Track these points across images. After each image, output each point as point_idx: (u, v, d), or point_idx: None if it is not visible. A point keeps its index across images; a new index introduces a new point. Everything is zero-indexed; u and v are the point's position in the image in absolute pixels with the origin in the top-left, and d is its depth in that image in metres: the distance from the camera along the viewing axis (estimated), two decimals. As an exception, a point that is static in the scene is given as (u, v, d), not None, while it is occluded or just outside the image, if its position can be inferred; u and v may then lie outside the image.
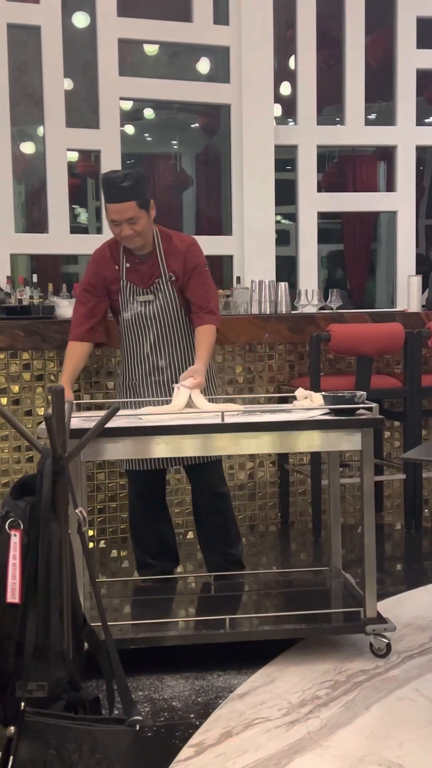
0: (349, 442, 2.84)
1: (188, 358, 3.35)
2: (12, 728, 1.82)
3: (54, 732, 1.80)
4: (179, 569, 3.69)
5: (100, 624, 2.06)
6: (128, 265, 3.33)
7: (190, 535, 4.29)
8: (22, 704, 1.85)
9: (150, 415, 2.89)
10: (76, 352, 3.40)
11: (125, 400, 3.33)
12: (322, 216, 5.90)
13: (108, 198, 3.20)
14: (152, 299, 3.31)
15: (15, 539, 1.85)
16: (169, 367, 3.34)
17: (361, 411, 2.84)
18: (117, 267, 3.34)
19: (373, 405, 2.83)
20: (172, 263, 3.31)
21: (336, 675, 2.73)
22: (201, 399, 2.99)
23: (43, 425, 2.36)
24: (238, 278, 5.28)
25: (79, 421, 2.74)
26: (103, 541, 4.22)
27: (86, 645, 2.06)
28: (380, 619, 2.85)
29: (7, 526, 1.87)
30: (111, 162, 5.33)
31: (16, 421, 1.97)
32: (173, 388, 3.05)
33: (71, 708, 1.92)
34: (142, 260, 3.31)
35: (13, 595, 1.84)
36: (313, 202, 5.75)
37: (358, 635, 2.92)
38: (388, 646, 2.84)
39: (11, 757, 1.81)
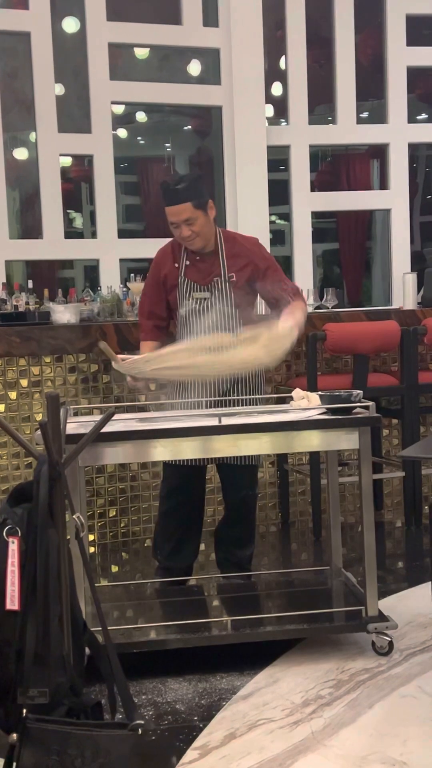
0: (347, 441, 2.84)
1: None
2: (14, 735, 1.82)
3: (56, 738, 1.80)
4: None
5: (101, 628, 2.06)
6: (188, 262, 3.34)
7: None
8: (24, 711, 1.85)
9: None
10: (151, 348, 3.40)
11: (131, 404, 3.33)
12: (317, 215, 5.91)
13: (165, 201, 3.23)
14: (208, 296, 3.31)
15: (13, 546, 1.85)
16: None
17: (358, 410, 2.84)
18: (177, 265, 3.35)
19: (370, 403, 2.83)
20: (235, 264, 3.31)
21: (339, 674, 2.73)
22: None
23: (39, 431, 2.37)
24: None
25: (76, 426, 2.74)
26: (103, 546, 4.22)
27: (87, 650, 2.07)
28: (382, 617, 2.86)
29: (4, 534, 1.87)
30: (104, 166, 5.33)
31: (11, 428, 1.97)
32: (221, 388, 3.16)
33: (73, 714, 1.92)
34: (203, 258, 3.33)
35: (12, 602, 1.84)
36: (307, 201, 5.76)
37: (360, 634, 2.92)
38: (390, 644, 2.84)
39: (14, 764, 1.81)
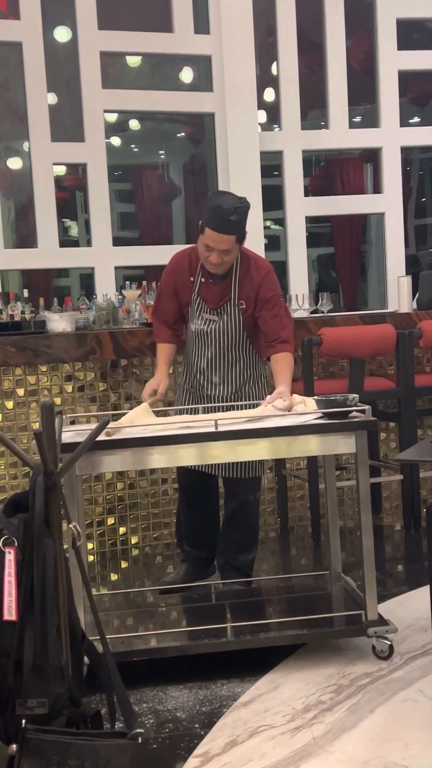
0: (345, 445, 2.84)
1: (242, 379, 3.41)
2: (14, 746, 1.82)
3: (56, 748, 1.80)
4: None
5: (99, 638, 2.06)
6: (203, 280, 3.35)
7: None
8: (23, 722, 1.85)
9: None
10: (165, 350, 3.50)
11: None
12: (312, 220, 5.92)
13: (211, 225, 3.16)
14: (216, 320, 3.35)
15: (10, 556, 1.85)
16: (222, 384, 3.40)
17: (354, 414, 2.84)
18: (192, 279, 3.37)
19: (366, 407, 2.83)
20: (245, 290, 3.33)
21: (339, 679, 2.73)
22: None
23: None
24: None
25: (72, 435, 2.74)
26: (102, 554, 4.21)
27: (86, 659, 2.06)
28: (382, 621, 2.85)
29: (1, 544, 1.87)
30: (98, 175, 5.34)
31: (6, 438, 1.97)
32: (223, 405, 3.27)
33: (72, 723, 1.92)
34: (216, 281, 3.34)
35: (9, 612, 1.84)
36: (301, 206, 5.77)
37: (360, 638, 2.91)
38: (391, 648, 2.83)
39: (14, 775, 1.81)
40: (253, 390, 3.46)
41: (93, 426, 2.99)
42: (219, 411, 3.27)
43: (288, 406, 3.01)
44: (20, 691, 1.87)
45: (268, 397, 3.11)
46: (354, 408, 2.84)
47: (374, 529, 2.91)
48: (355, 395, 2.88)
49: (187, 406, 3.39)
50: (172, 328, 3.51)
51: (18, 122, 5.57)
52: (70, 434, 2.73)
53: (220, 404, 3.34)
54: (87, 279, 7.02)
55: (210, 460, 3.05)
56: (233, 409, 3.28)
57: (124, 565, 4.14)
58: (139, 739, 1.86)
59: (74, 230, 8.61)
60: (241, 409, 3.27)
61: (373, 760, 2.24)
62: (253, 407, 3.25)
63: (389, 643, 2.83)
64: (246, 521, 3.49)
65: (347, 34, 5.80)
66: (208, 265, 3.27)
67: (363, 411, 2.83)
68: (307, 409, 2.97)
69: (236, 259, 3.32)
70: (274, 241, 7.30)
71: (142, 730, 1.86)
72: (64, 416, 2.83)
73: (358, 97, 6.16)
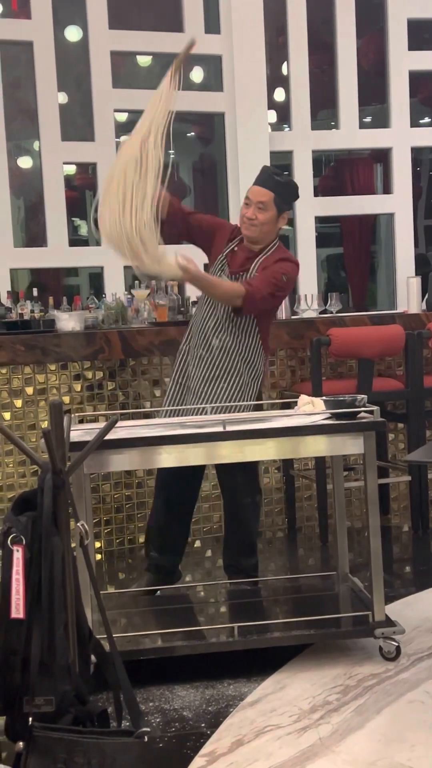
0: (353, 445, 2.83)
1: (240, 350, 3.37)
2: (21, 743, 1.82)
3: (62, 746, 1.80)
4: (187, 578, 3.69)
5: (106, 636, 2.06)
6: (236, 248, 3.43)
7: (198, 543, 4.29)
8: (30, 719, 1.85)
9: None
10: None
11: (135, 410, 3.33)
12: (321, 220, 5.92)
13: (256, 181, 3.37)
14: None
15: (18, 555, 1.85)
16: (218, 350, 3.37)
17: (362, 414, 2.84)
18: (229, 243, 3.45)
19: (375, 408, 2.83)
20: (262, 266, 3.38)
21: (346, 680, 2.72)
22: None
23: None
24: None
25: (81, 433, 2.74)
26: (110, 553, 4.22)
27: (93, 658, 2.07)
28: (389, 622, 2.85)
29: (9, 542, 1.87)
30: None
31: (15, 436, 1.98)
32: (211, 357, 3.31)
33: (79, 721, 1.92)
34: (246, 252, 3.41)
35: (17, 610, 1.84)
36: (311, 206, 5.76)
37: (367, 639, 2.91)
38: (398, 649, 2.83)
39: (21, 773, 1.81)
40: (243, 372, 3.37)
41: (101, 425, 3.00)
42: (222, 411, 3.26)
43: (189, 268, 3.07)
44: (27, 688, 1.88)
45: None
46: (363, 409, 2.84)
47: (382, 530, 2.90)
48: (363, 396, 2.88)
49: (193, 406, 3.34)
50: (183, 211, 3.46)
51: (28, 121, 5.59)
52: (78, 433, 2.73)
53: (222, 404, 3.31)
54: (96, 278, 7.03)
55: (218, 459, 3.04)
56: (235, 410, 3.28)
57: (131, 563, 4.15)
58: (146, 738, 1.86)
59: (83, 229, 8.63)
60: (240, 410, 3.27)
61: (379, 761, 2.24)
62: (255, 409, 3.26)
63: (396, 644, 2.83)
64: (245, 526, 3.46)
65: (358, 33, 5.80)
66: (244, 225, 3.36)
67: (371, 412, 2.83)
68: (315, 410, 2.97)
69: (273, 247, 3.40)
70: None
71: (148, 729, 1.87)
72: (72, 415, 2.84)
73: (368, 97, 6.16)
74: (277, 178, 3.36)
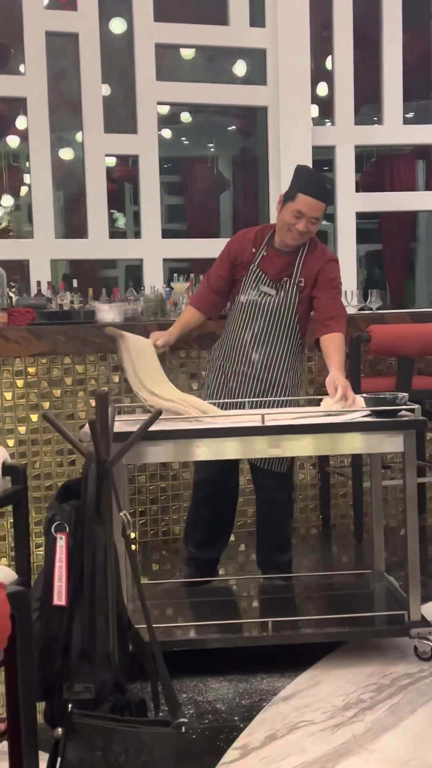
0: (391, 444, 2.82)
1: (282, 360, 3.34)
2: (59, 729, 1.84)
3: (100, 734, 1.82)
4: (221, 571, 3.70)
5: (143, 626, 2.07)
6: (266, 253, 3.33)
7: (231, 537, 4.29)
8: (69, 706, 1.87)
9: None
10: (190, 315, 3.47)
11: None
12: (360, 216, 5.87)
13: (308, 190, 3.19)
14: (273, 294, 3.31)
15: (61, 542, 1.87)
16: (260, 363, 3.33)
17: (403, 412, 2.82)
18: (254, 251, 3.35)
19: (416, 406, 2.80)
20: (308, 268, 3.31)
21: (380, 678, 2.72)
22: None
23: (85, 429, 2.39)
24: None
25: (121, 424, 2.76)
26: (144, 544, 4.24)
27: (131, 647, 2.08)
28: (425, 622, 2.83)
29: (53, 530, 1.89)
30: (149, 167, 5.36)
31: (62, 427, 2.00)
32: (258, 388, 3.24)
33: (117, 710, 1.94)
34: (280, 254, 3.32)
35: (59, 597, 1.86)
36: (352, 202, 5.72)
37: (402, 638, 2.89)
38: (433, 649, 2.82)
39: (59, 759, 1.83)
40: (287, 385, 3.37)
41: (138, 417, 3.01)
42: (266, 406, 3.26)
43: (344, 393, 2.95)
44: (67, 675, 1.90)
45: (328, 383, 3.04)
46: (404, 407, 2.82)
47: (419, 530, 2.88)
48: (404, 394, 2.86)
49: (221, 400, 3.34)
50: (216, 294, 3.45)
51: (72, 113, 5.62)
52: (118, 424, 2.74)
53: (271, 398, 3.31)
54: (133, 270, 7.06)
55: (255, 454, 3.04)
56: (280, 405, 3.28)
57: (165, 555, 4.17)
58: (183, 729, 1.87)
59: (120, 222, 8.66)
60: (281, 405, 3.26)
61: (413, 761, 2.23)
62: (292, 404, 3.26)
63: (431, 644, 2.81)
64: (278, 523, 3.46)
65: (403, 28, 5.73)
66: (290, 235, 3.24)
67: (412, 410, 2.81)
68: (355, 407, 2.95)
69: (308, 240, 3.32)
70: (321, 237, 7.26)
71: (186, 720, 1.87)
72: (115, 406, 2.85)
73: (412, 93, 6.10)
74: (328, 186, 3.26)
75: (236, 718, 2.51)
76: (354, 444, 2.88)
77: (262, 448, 2.83)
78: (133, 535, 3.99)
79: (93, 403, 4.01)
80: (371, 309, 4.87)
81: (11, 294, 4.80)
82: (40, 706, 1.96)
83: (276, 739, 2.38)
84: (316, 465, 4.49)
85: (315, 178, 3.26)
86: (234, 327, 3.39)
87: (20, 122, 6.24)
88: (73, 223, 6.96)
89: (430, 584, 3.59)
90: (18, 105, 5.91)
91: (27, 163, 5.26)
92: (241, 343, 3.36)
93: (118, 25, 5.68)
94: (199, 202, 8.71)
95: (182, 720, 1.88)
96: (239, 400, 3.31)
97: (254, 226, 3.49)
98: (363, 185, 7.86)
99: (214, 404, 3.26)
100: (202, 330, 4.12)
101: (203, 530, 3.47)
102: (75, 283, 4.99)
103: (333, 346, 3.21)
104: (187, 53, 6.20)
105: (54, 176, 5.30)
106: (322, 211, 3.22)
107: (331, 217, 5.87)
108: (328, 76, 5.88)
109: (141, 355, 3.06)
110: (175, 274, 4.97)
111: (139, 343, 3.11)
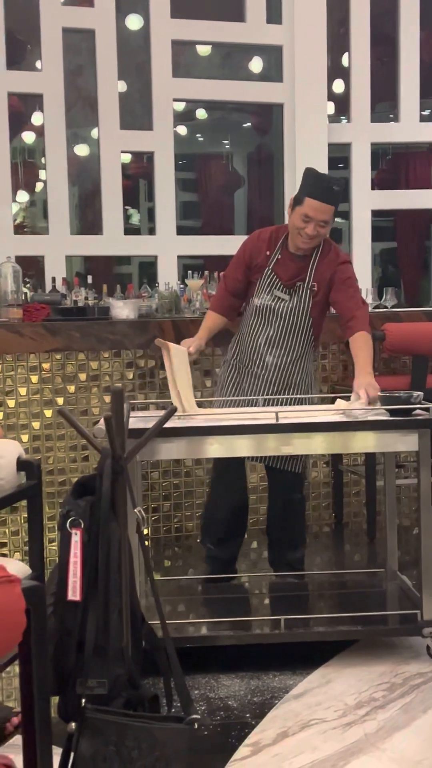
0: (405, 443, 2.81)
1: (296, 363, 3.36)
2: (73, 724, 1.85)
3: (114, 729, 1.82)
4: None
5: (157, 622, 2.08)
6: (280, 257, 3.34)
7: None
8: (83, 701, 1.88)
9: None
10: (213, 320, 3.49)
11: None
12: (375, 214, 5.85)
13: (315, 194, 3.19)
14: (287, 299, 3.32)
15: (76, 538, 1.88)
16: (274, 366, 3.35)
17: (417, 411, 2.81)
18: (268, 253, 3.35)
19: (430, 405, 2.80)
20: (320, 272, 3.31)
21: (392, 677, 2.71)
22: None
23: (100, 425, 2.40)
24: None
25: (135, 420, 2.76)
26: (156, 540, 4.25)
27: (144, 643, 2.09)
28: (438, 621, 2.82)
29: (68, 525, 1.90)
30: (165, 164, 5.36)
31: (78, 423, 2.00)
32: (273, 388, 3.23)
33: (130, 705, 1.94)
34: (294, 259, 3.33)
35: (74, 592, 1.87)
36: (367, 200, 5.70)
37: (414, 638, 2.89)
38: (446, 649, 2.81)
39: (72, 753, 1.84)
40: (300, 386, 3.38)
41: (153, 413, 3.02)
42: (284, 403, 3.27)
43: (367, 402, 2.94)
44: (81, 670, 1.91)
45: (355, 386, 3.01)
46: (418, 406, 2.81)
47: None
48: (419, 393, 2.85)
49: (246, 398, 3.37)
50: (234, 297, 3.47)
51: (88, 109, 5.62)
52: (132, 420, 2.75)
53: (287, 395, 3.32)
54: (146, 267, 7.07)
55: (268, 451, 3.05)
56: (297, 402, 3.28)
57: (177, 551, 4.17)
58: (195, 725, 1.87)
59: (135, 218, 8.67)
60: (294, 403, 3.26)
61: (425, 760, 2.23)
62: (306, 402, 3.26)
63: (444, 644, 2.81)
64: (292, 520, 3.47)
65: (420, 26, 5.70)
66: (300, 238, 3.24)
67: (427, 409, 2.80)
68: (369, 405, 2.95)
69: (321, 243, 3.31)
70: (336, 235, 7.25)
71: (198, 716, 1.88)
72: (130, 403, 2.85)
73: (429, 91, 6.06)
74: (335, 188, 3.22)
75: (248, 715, 2.52)
76: (368, 443, 2.88)
77: (275, 446, 2.83)
78: (146, 532, 4.01)
79: (107, 399, 4.02)
80: (386, 307, 4.86)
81: (26, 290, 4.81)
82: (54, 700, 1.97)
83: (288, 737, 2.38)
84: (330, 463, 4.48)
85: (321, 180, 3.24)
86: (249, 329, 3.41)
87: (36, 118, 6.25)
88: (87, 220, 6.97)
89: (443, 584, 3.57)
90: (34, 101, 5.92)
91: (42, 160, 5.27)
92: (255, 345, 3.38)
93: (134, 22, 5.68)
94: (213, 199, 8.71)
95: (195, 716, 1.89)
96: (253, 397, 3.31)
97: (269, 227, 3.50)
98: (378, 183, 7.83)
99: (228, 402, 3.27)
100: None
101: (222, 525, 3.50)
102: (89, 279, 5.00)
103: (356, 346, 3.21)
104: (204, 50, 6.19)
105: (69, 172, 5.30)
106: (330, 213, 3.21)
107: (346, 215, 5.86)
108: (344, 74, 5.86)
109: (182, 368, 3.06)
110: (190, 271, 4.97)
111: (179, 353, 3.11)
